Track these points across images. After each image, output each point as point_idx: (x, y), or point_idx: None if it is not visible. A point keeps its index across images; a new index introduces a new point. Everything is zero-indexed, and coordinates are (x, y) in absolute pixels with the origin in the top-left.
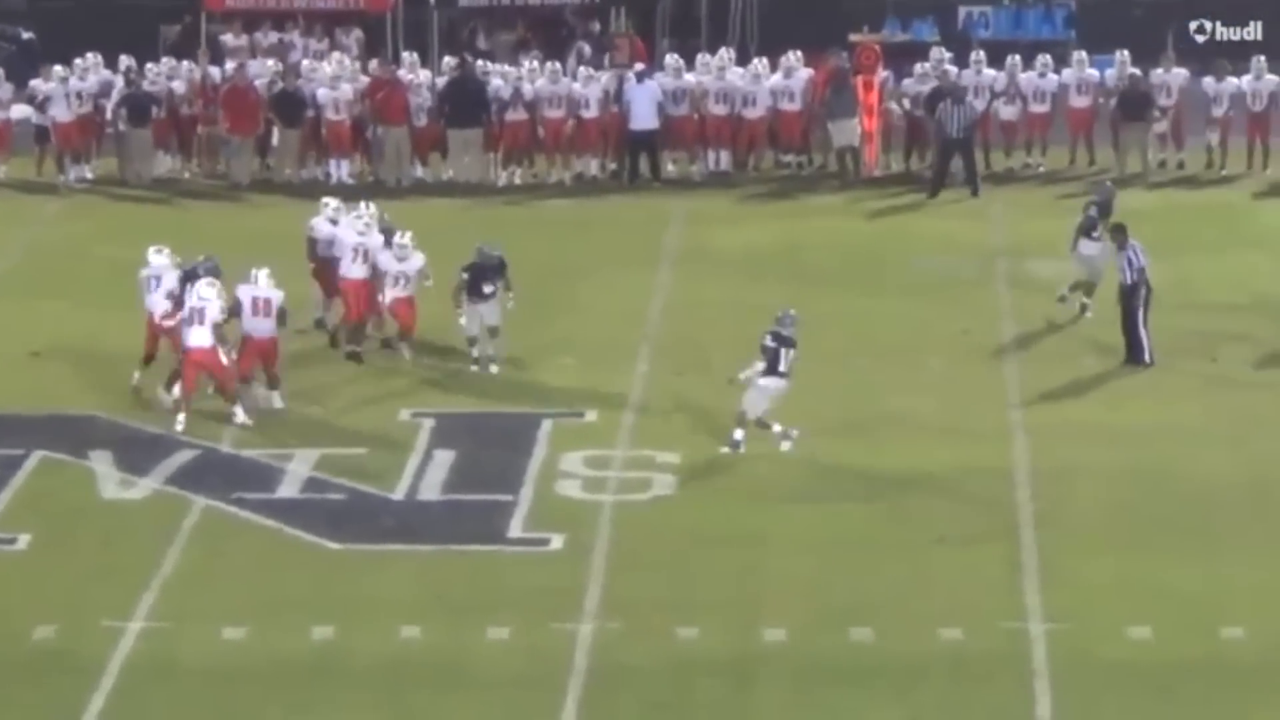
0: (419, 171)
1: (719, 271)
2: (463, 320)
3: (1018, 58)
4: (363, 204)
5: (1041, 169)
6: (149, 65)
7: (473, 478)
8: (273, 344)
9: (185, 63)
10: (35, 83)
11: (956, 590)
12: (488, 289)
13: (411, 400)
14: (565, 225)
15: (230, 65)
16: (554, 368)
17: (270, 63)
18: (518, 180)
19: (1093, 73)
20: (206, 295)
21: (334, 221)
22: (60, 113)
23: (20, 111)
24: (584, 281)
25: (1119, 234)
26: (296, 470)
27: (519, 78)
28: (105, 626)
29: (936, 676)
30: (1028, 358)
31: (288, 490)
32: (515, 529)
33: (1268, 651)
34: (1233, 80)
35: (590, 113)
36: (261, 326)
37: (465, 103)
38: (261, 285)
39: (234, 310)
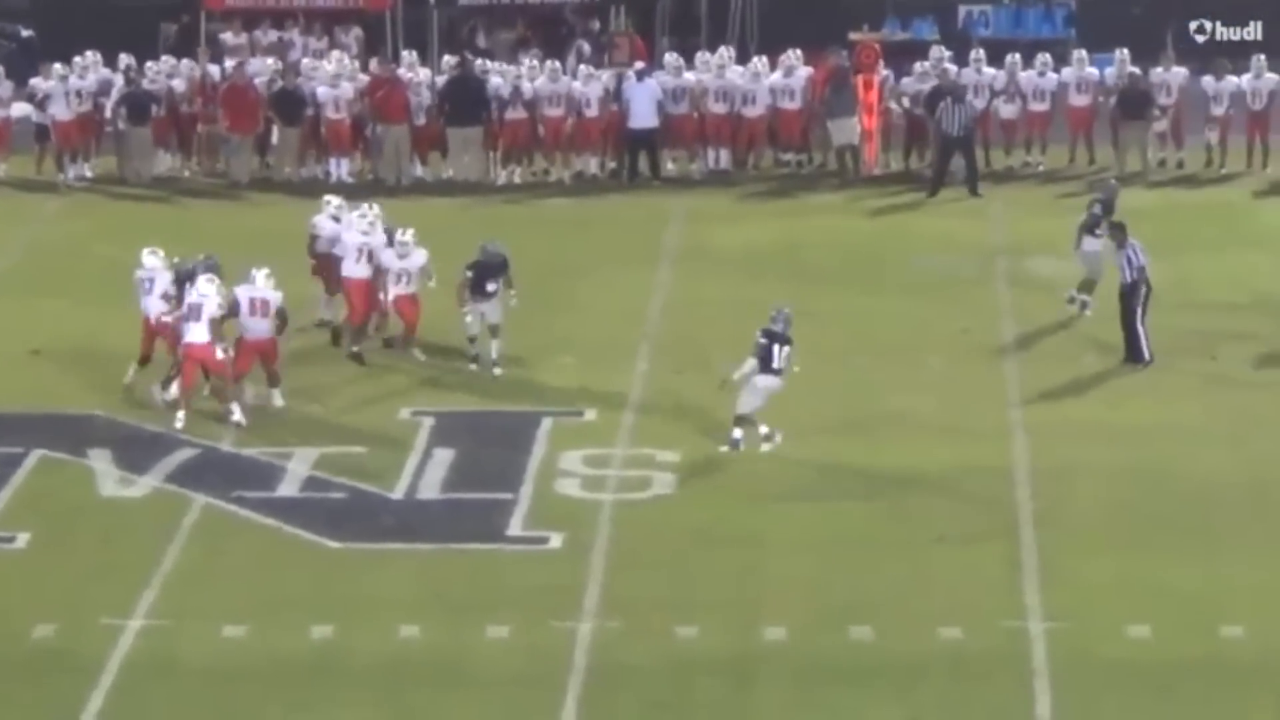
0: (419, 170)
1: (719, 270)
2: (469, 318)
3: (1017, 56)
4: (366, 204)
5: (1041, 168)
6: (149, 64)
7: (472, 476)
8: (271, 344)
9: (185, 61)
10: (35, 81)
11: (956, 589)
12: (491, 287)
13: (411, 399)
14: (565, 224)
15: (230, 63)
16: (554, 366)
17: (270, 61)
18: (517, 179)
19: (1092, 71)
20: (205, 291)
21: (336, 219)
22: (60, 111)
23: (20, 110)
24: (584, 280)
25: (1118, 233)
26: (296, 469)
27: (519, 76)
28: (105, 625)
29: (936, 675)
30: (1027, 357)
31: (287, 489)
32: (515, 528)
33: (1267, 651)
34: (1232, 79)
35: (591, 111)
36: (258, 327)
37: (465, 101)
38: (259, 285)
39: (232, 309)
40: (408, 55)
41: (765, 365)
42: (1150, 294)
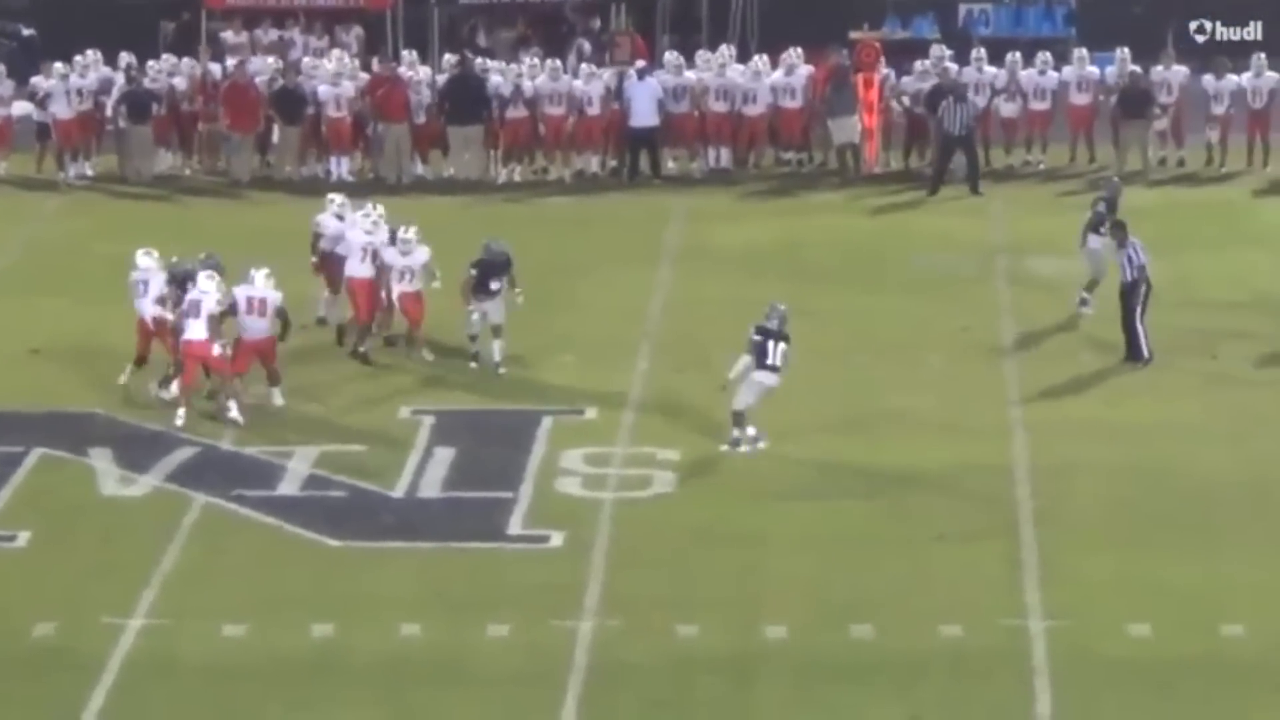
0: (419, 169)
1: (719, 269)
2: (474, 316)
3: (1018, 55)
4: (370, 204)
5: (1042, 166)
6: (150, 62)
7: (473, 475)
8: (269, 343)
9: (186, 60)
10: (36, 80)
11: (956, 587)
12: (494, 285)
13: (411, 398)
14: (565, 222)
15: (231, 62)
16: (554, 365)
17: (270, 60)
18: (518, 177)
19: (1093, 70)
20: (205, 288)
21: (340, 217)
22: (61, 109)
23: (21, 108)
24: (584, 279)
25: (1119, 231)
26: (297, 468)
27: (519, 75)
28: (105, 624)
29: (936, 673)
30: (1027, 355)
31: (288, 487)
32: (515, 526)
33: (1267, 649)
34: (1233, 78)
35: (593, 110)
36: (256, 326)
37: (465, 100)
38: (258, 285)
39: (231, 308)
40: (408, 54)
41: (760, 362)
42: (1150, 292)
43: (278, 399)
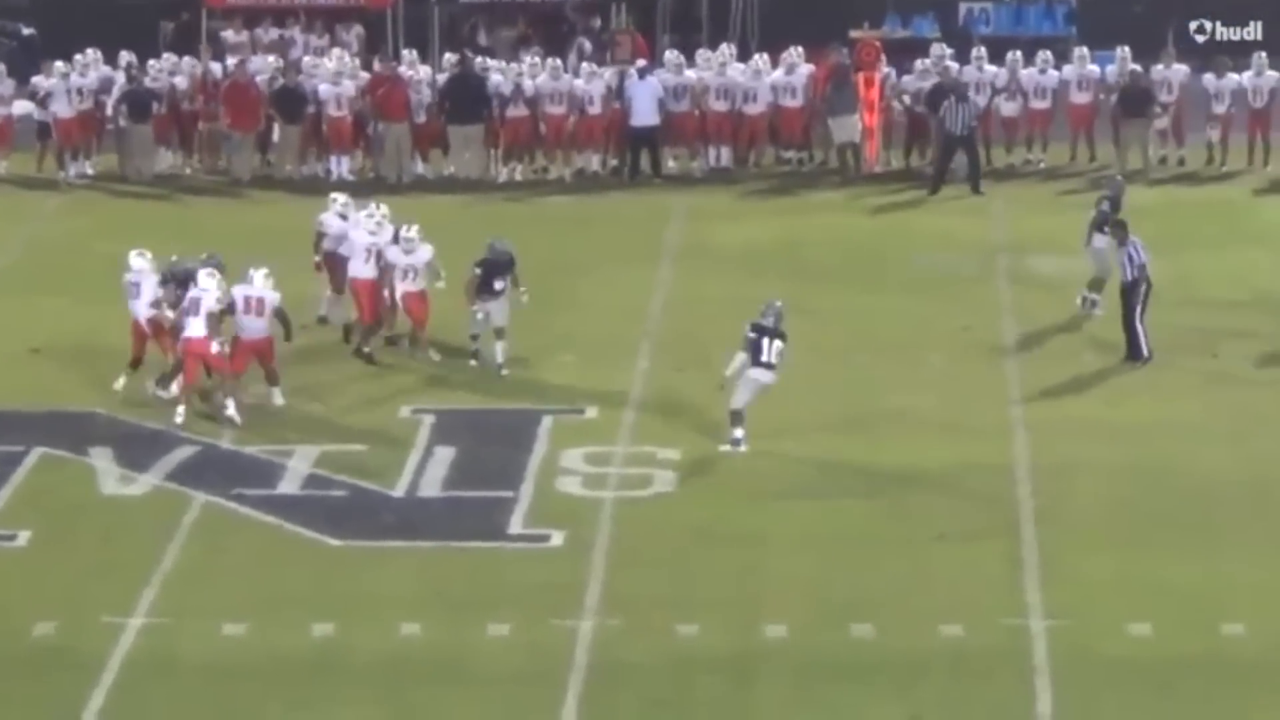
0: (419, 168)
1: (719, 268)
2: (479, 316)
3: (1018, 54)
4: (373, 204)
5: (1042, 165)
6: (151, 61)
7: (473, 474)
8: (267, 343)
9: (187, 59)
10: (37, 79)
11: (957, 586)
12: (498, 285)
13: (412, 397)
14: (566, 221)
15: (231, 61)
16: (554, 364)
17: (271, 59)
18: (518, 176)
19: (1094, 69)
20: (206, 285)
21: (344, 216)
22: (61, 109)
23: (21, 107)
24: (584, 278)
25: (1119, 230)
26: (297, 467)
27: (519, 74)
28: (105, 623)
29: (937, 673)
30: (1028, 354)
31: (288, 486)
32: (516, 525)
33: (1268, 648)
34: (1233, 76)
35: (594, 109)
36: (254, 326)
37: (466, 99)
38: (256, 285)
39: (230, 307)
40: (408, 54)
41: (755, 359)
42: (1150, 291)
43: (278, 399)
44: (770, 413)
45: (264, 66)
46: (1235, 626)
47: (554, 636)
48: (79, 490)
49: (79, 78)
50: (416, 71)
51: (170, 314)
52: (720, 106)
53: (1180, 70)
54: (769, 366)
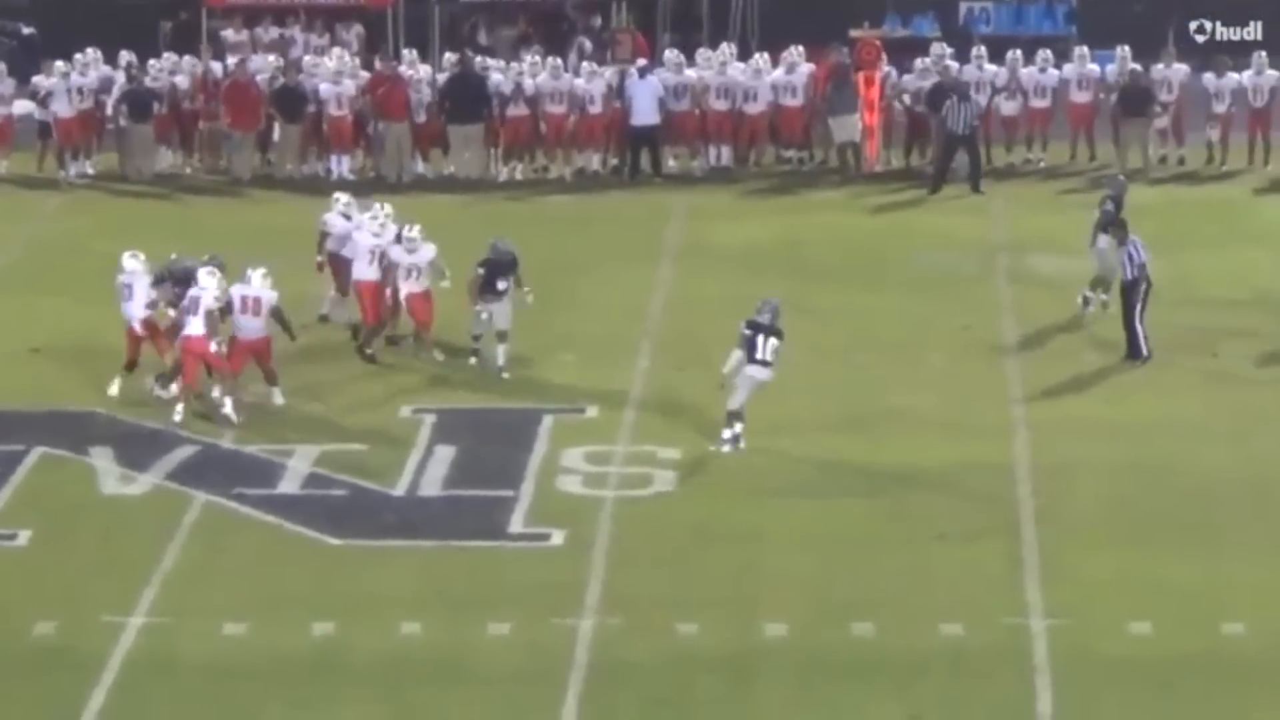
0: (420, 167)
1: (720, 267)
2: (482, 316)
3: (1018, 52)
4: (377, 204)
5: (1042, 164)
6: (151, 61)
7: (473, 473)
8: (264, 343)
9: (187, 58)
10: (37, 79)
11: (957, 586)
12: (501, 285)
13: (412, 396)
14: (566, 221)
15: (231, 60)
16: (555, 363)
17: (271, 58)
18: (519, 176)
19: (1094, 68)
20: (205, 284)
21: (347, 216)
22: (62, 108)
23: (22, 107)
24: (585, 277)
25: (1119, 230)
26: (297, 466)
27: (520, 73)
28: (105, 622)
29: (937, 672)
30: (1029, 353)
31: (288, 486)
32: (516, 524)
33: (1268, 647)
34: (1233, 76)
35: (595, 108)
36: (250, 326)
37: (466, 98)
38: (254, 284)
39: (228, 306)
40: (408, 53)
41: (750, 356)
42: (1150, 291)
43: (278, 398)
44: (770, 411)
45: (264, 66)
46: (1235, 626)
47: (554, 635)
48: (79, 490)
49: (79, 77)
50: (417, 71)
51: (172, 313)
52: (721, 106)
53: (1180, 69)
54: (764, 364)
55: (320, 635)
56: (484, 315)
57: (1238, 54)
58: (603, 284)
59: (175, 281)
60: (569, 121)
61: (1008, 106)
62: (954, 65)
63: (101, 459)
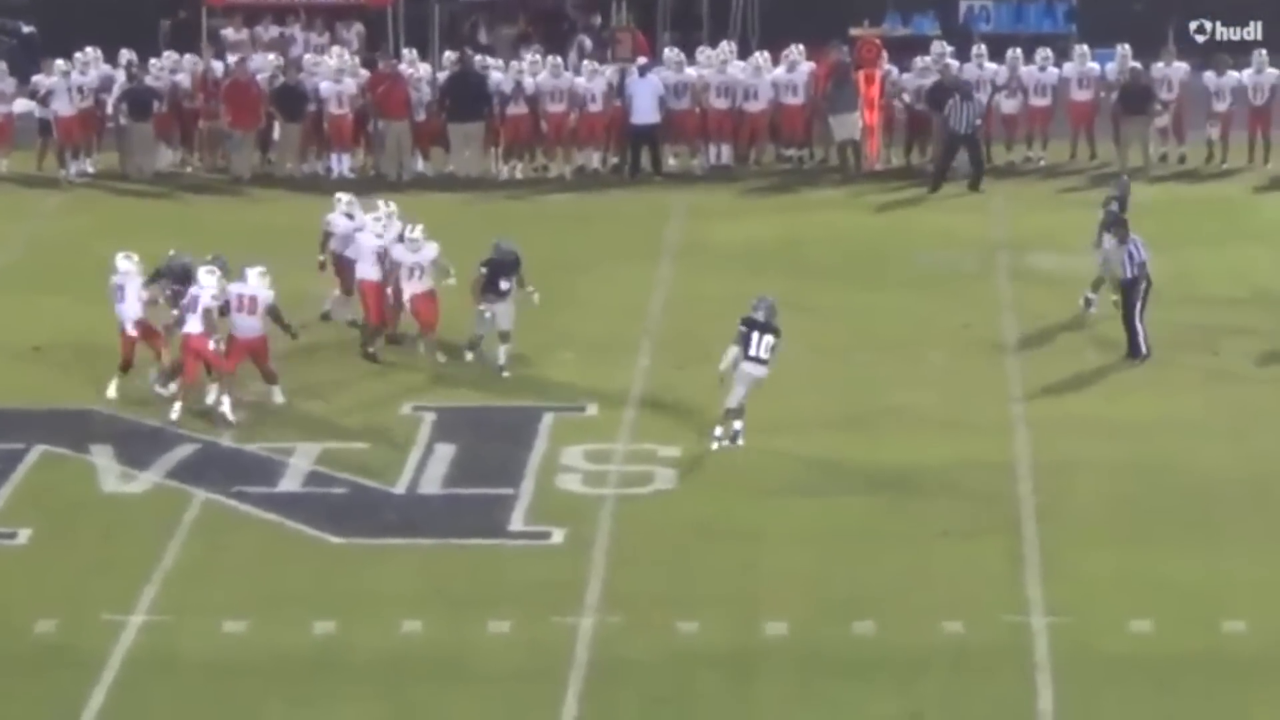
0: (420, 165)
1: (720, 265)
2: (487, 315)
3: (1019, 51)
4: (380, 203)
5: (1042, 162)
6: (152, 60)
7: (474, 472)
8: (261, 342)
9: (188, 56)
10: (37, 77)
11: (958, 583)
12: (504, 285)
13: (413, 395)
14: (566, 219)
15: (231, 59)
16: (555, 362)
17: (271, 57)
18: (519, 174)
19: (1094, 66)
20: (205, 282)
21: (350, 216)
22: (62, 107)
23: (22, 106)
24: (585, 275)
25: (1120, 229)
26: (298, 464)
27: (520, 72)
28: (106, 620)
29: (938, 669)
30: (1029, 351)
31: (289, 484)
32: (516, 523)
33: (1269, 645)
34: (1234, 74)
35: (595, 106)
36: (245, 324)
37: (466, 97)
38: (250, 283)
39: (225, 305)
40: (408, 52)
41: (744, 353)
42: (1150, 289)
43: (278, 397)
44: (771, 410)
45: (264, 64)
46: (1236, 623)
47: (554, 634)
48: (80, 488)
49: (80, 76)
50: (417, 69)
51: (174, 312)
52: (721, 104)
53: (1180, 68)
54: (759, 361)
55: (321, 633)
56: (487, 315)
57: (1237, 54)
58: (603, 282)
59: (173, 278)
60: (569, 120)
61: (1008, 105)
62: (954, 63)
63: (102, 457)
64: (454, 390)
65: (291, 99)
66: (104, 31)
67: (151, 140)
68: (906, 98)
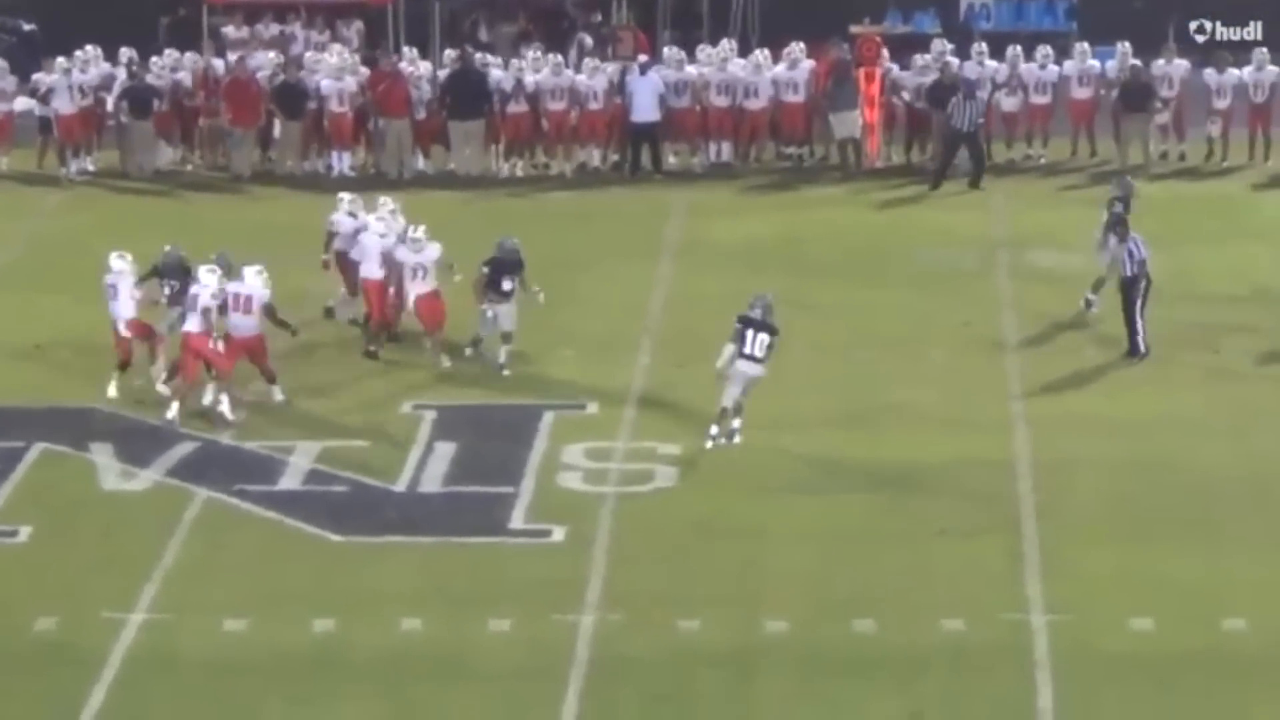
0: (420, 163)
1: (720, 263)
2: (489, 315)
3: (1019, 48)
4: (382, 200)
5: (1043, 160)
6: (153, 58)
7: (474, 470)
8: (258, 340)
9: (189, 54)
10: (38, 75)
11: (958, 582)
12: (507, 285)
13: (413, 393)
14: (566, 217)
15: (232, 57)
16: (555, 360)
17: (272, 55)
18: (519, 172)
19: (1094, 64)
20: (206, 281)
21: (353, 215)
22: (63, 105)
23: (23, 104)
24: (585, 273)
25: (1121, 227)
26: (298, 462)
27: (520, 70)
28: (106, 618)
29: (938, 668)
30: (1029, 349)
31: (289, 482)
32: (516, 521)
33: (1269, 643)
34: (1234, 72)
35: (596, 104)
36: (241, 323)
37: (466, 95)
38: (246, 281)
39: (223, 304)
40: (409, 50)
41: (739, 351)
42: (1150, 287)
43: (277, 395)
44: (771, 407)
45: (265, 62)
46: (1236, 621)
47: (555, 632)
48: (80, 486)
49: (80, 74)
50: (417, 67)
51: (173, 312)
52: (721, 102)
53: (1181, 65)
54: (754, 359)
55: (321, 631)
56: (489, 314)
57: (1237, 53)
58: (603, 280)
59: (170, 274)
60: (570, 118)
61: (1008, 102)
62: (954, 62)
63: (102, 455)
64: (454, 388)
65: (292, 97)
66: (104, 29)
67: (152, 138)
68: (906, 95)
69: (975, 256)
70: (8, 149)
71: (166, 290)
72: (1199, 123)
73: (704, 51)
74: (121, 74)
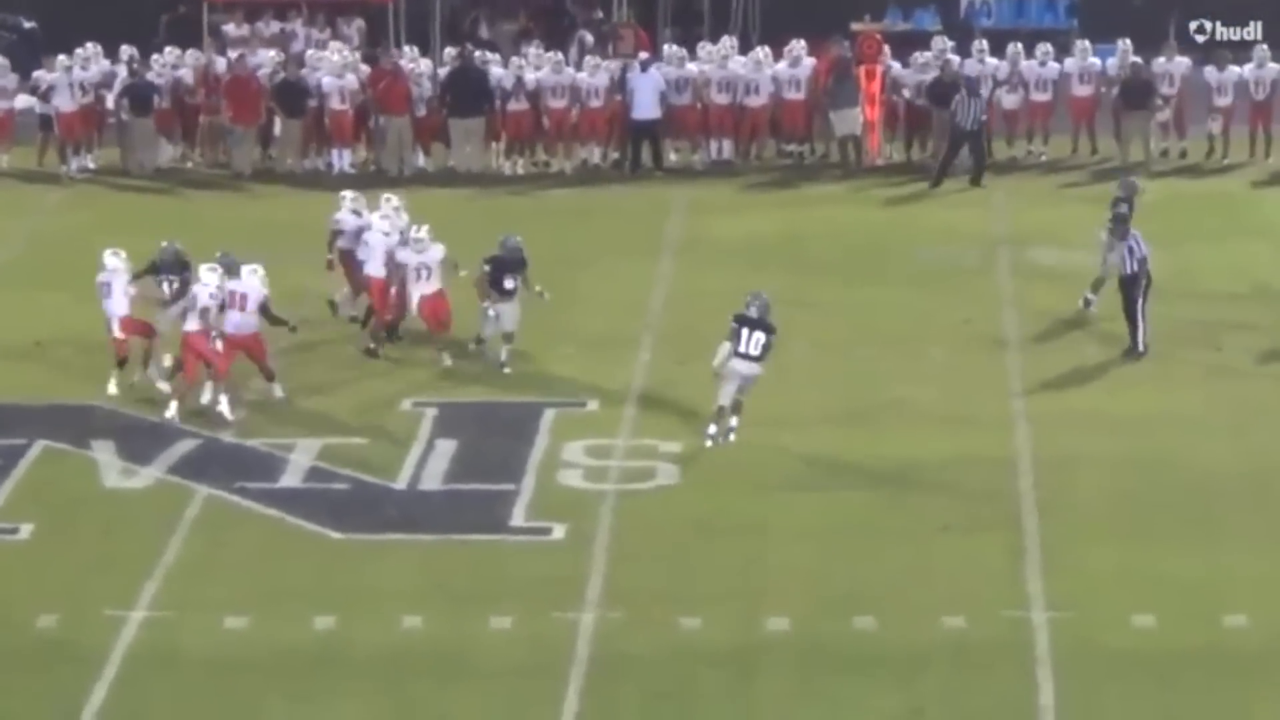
0: (421, 161)
1: (721, 261)
2: (491, 313)
3: (1019, 46)
4: (386, 196)
5: (1044, 158)
6: (154, 55)
7: (475, 467)
8: (254, 339)
9: (191, 52)
10: (38, 73)
11: (959, 579)
12: (509, 284)
13: (414, 390)
14: (567, 215)
15: (232, 55)
16: (556, 357)
17: (272, 53)
18: (520, 170)
19: (1095, 61)
20: (206, 280)
21: (357, 213)
22: (64, 102)
23: (23, 101)
24: (585, 271)
25: (1121, 225)
26: (299, 460)
27: (520, 67)
28: (107, 616)
29: (939, 665)
30: (1030, 347)
31: (290, 480)
32: (517, 518)
33: (1270, 640)
34: (1235, 69)
35: (597, 102)
36: (238, 321)
37: (467, 92)
38: (243, 280)
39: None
40: (409, 48)
41: (734, 349)
42: (1150, 285)
43: (277, 392)
44: (772, 405)
45: (265, 60)
46: (1237, 618)
47: (555, 629)
48: (81, 483)
49: (80, 71)
50: (418, 65)
51: (176, 306)
52: (722, 99)
53: (1182, 63)
54: (749, 358)
55: (321, 629)
56: (491, 313)
57: (1238, 53)
58: (604, 278)
59: (168, 270)
60: (570, 115)
61: (1009, 100)
62: (955, 59)
63: (103, 453)
64: (455, 386)
65: (292, 94)
66: (105, 27)
67: (153, 136)
68: (907, 93)
69: (976, 254)
70: (8, 146)
71: (165, 286)
72: (1200, 120)
73: (705, 49)
74: (122, 71)
